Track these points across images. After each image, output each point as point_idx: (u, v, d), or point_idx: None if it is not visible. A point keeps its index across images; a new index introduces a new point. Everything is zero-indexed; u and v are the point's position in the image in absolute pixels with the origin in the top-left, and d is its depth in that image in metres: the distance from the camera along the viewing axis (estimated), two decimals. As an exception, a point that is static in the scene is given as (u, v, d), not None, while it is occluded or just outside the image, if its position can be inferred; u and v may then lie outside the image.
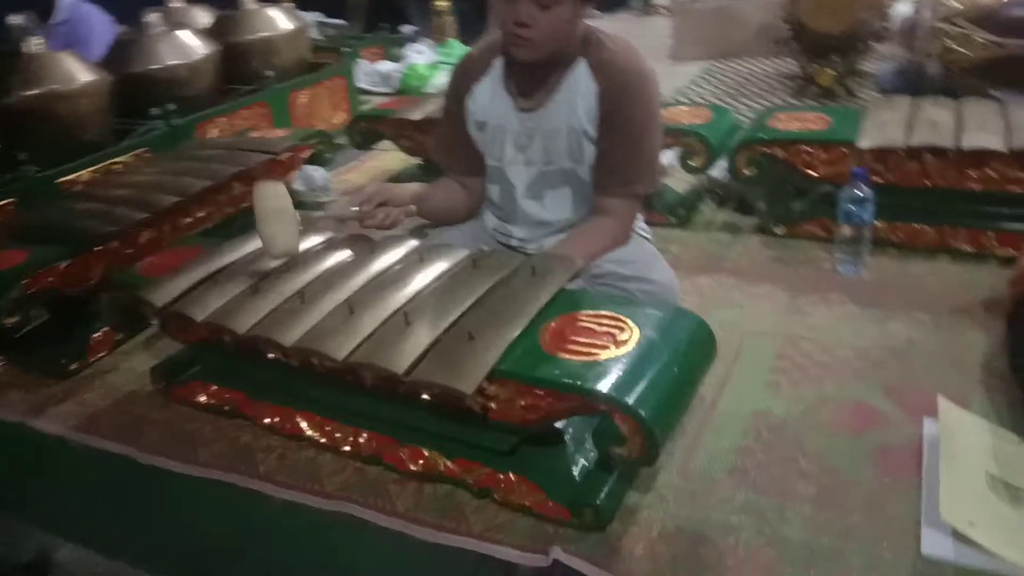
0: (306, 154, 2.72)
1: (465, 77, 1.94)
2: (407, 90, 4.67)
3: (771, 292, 2.15)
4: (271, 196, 1.62)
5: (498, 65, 1.90)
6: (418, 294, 1.54)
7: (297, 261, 1.73)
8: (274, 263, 1.75)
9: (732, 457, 1.58)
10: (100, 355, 2.16)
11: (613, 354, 1.33)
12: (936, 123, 2.15)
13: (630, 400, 1.24)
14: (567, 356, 1.34)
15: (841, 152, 2.23)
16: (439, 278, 1.60)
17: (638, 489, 1.51)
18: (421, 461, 1.58)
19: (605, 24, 6.17)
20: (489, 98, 1.90)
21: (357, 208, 1.89)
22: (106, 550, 1.82)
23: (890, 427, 1.63)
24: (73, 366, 2.09)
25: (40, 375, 2.09)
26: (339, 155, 3.16)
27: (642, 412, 1.23)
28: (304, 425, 1.73)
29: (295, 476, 1.65)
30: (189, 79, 3.01)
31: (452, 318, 1.45)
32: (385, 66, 4.73)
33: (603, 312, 1.45)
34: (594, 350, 1.34)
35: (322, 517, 1.56)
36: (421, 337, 1.40)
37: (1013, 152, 2.01)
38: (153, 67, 2.95)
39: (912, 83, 3.23)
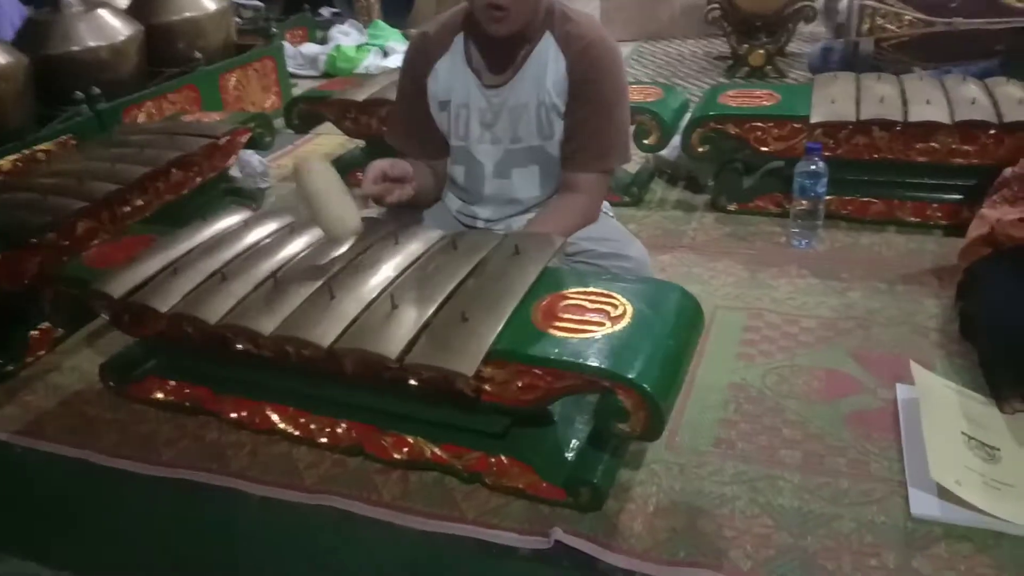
0: (245, 138, 2.61)
1: (423, 56, 1.87)
2: (335, 72, 4.54)
3: (731, 267, 2.18)
4: (323, 174, 1.50)
5: (459, 42, 1.84)
6: (400, 276, 1.49)
7: (263, 246, 1.65)
8: (231, 249, 1.66)
9: (716, 429, 1.60)
10: (39, 354, 2.03)
11: (609, 330, 1.31)
12: (883, 98, 2.22)
13: (633, 375, 1.23)
14: (563, 334, 1.31)
15: (793, 128, 2.27)
16: (418, 259, 1.55)
17: (628, 466, 1.51)
18: (406, 449, 1.54)
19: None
20: (451, 76, 1.84)
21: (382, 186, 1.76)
22: (53, 562, 1.70)
23: (864, 392, 1.67)
24: (10, 367, 1.96)
25: (-29, 379, 1.95)
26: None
27: (646, 386, 1.22)
28: (276, 418, 1.66)
29: (270, 472, 1.59)
30: (112, 62, 2.84)
31: (439, 299, 1.40)
32: (310, 48, 4.59)
33: (592, 289, 1.43)
34: (589, 327, 1.32)
35: (303, 513, 1.50)
36: (410, 320, 1.36)
37: (957, 124, 2.08)
38: (74, 48, 2.77)
39: (840, 61, 3.33)
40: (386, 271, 1.50)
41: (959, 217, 2.22)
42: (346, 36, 4.62)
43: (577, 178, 1.82)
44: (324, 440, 1.61)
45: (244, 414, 1.69)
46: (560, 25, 1.76)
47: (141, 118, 2.85)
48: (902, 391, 1.64)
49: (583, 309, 1.38)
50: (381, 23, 4.81)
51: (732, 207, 2.47)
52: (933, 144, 2.15)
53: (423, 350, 1.30)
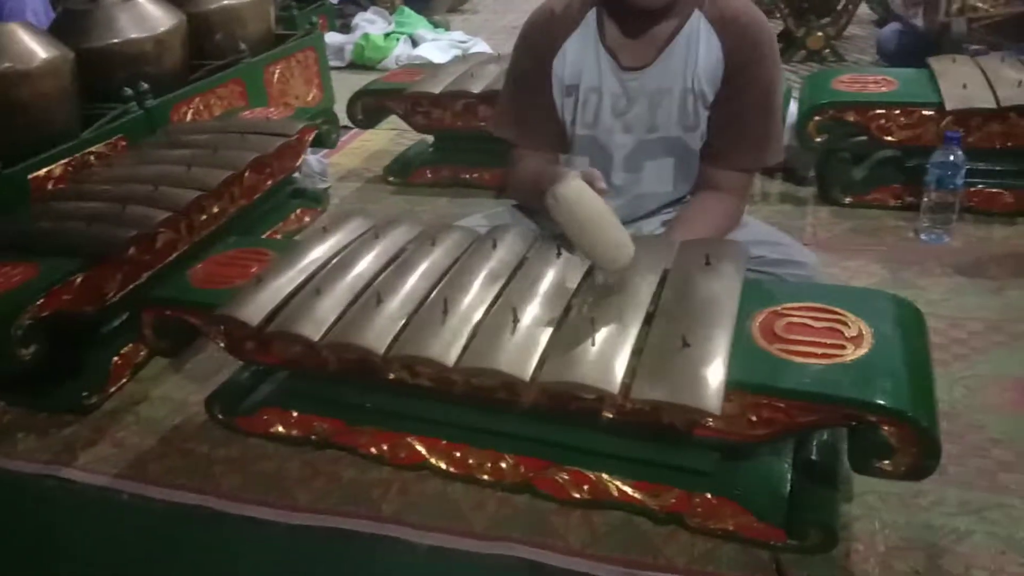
0: (311, 136, 2.40)
1: (547, 36, 1.66)
2: (363, 62, 4.34)
3: (867, 266, 2.04)
4: (591, 196, 1.26)
5: (591, 18, 1.64)
6: (577, 295, 1.32)
7: (407, 259, 1.47)
8: (372, 264, 1.48)
9: (918, 451, 1.45)
10: (121, 382, 1.82)
11: (857, 354, 1.15)
12: (1021, 82, 2.07)
13: (906, 407, 1.07)
14: (803, 359, 1.15)
15: (921, 115, 2.12)
16: (588, 272, 1.37)
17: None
18: (586, 486, 1.37)
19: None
20: (581, 57, 1.64)
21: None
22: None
23: (1066, 405, 1.53)
24: (94, 399, 1.75)
25: (52, 413, 1.73)
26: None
27: (922, 421, 1.06)
28: (424, 451, 1.48)
29: (428, 514, 1.41)
30: (156, 55, 2.59)
31: (640, 319, 1.23)
32: (334, 38, 4.36)
33: (809, 304, 1.27)
34: (830, 350, 1.16)
35: (476, 564, 1.32)
36: (618, 347, 1.18)
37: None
38: (115, 41, 2.52)
39: (917, 43, 3.20)
40: (563, 289, 1.33)
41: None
42: (372, 24, 4.40)
43: (726, 176, 1.63)
44: (486, 476, 1.43)
45: (385, 447, 1.51)
46: (711, 2, 1.57)
47: (189, 115, 2.63)
48: (1112, 403, 1.51)
49: (809, 328, 1.22)
50: (407, 10, 4.60)
51: (847, 200, 2.32)
52: (1077, 130, 2.02)
53: (647, 383, 1.12)
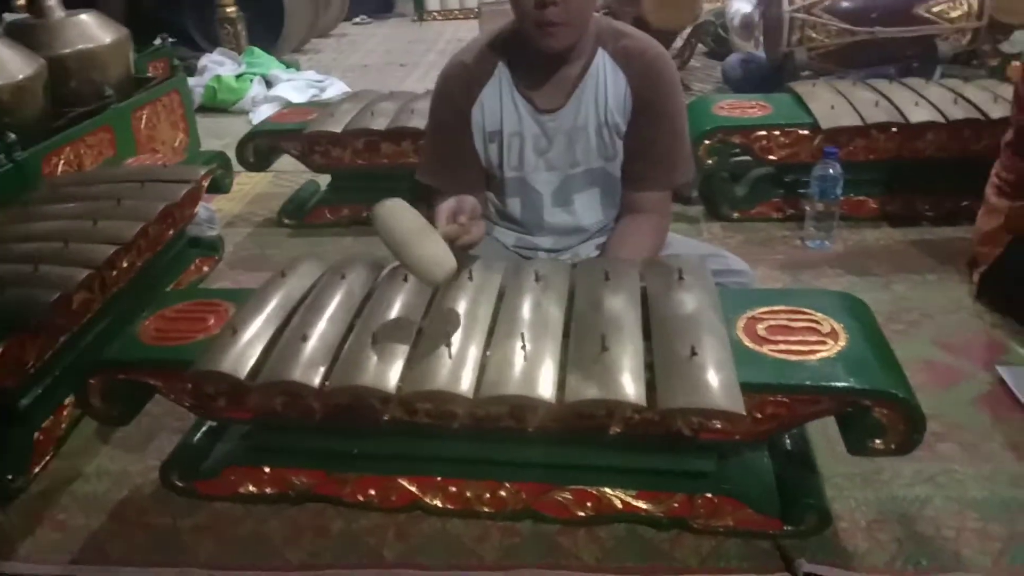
0: (208, 180, 2.30)
1: (464, 87, 1.71)
2: (215, 104, 4.17)
3: (770, 273, 2.22)
4: (407, 213, 1.28)
5: (502, 68, 1.72)
6: (570, 316, 1.36)
7: (381, 297, 1.44)
8: (344, 305, 1.44)
9: (864, 433, 1.61)
10: (46, 460, 1.65)
11: (839, 347, 1.27)
12: (877, 102, 2.36)
13: (895, 389, 1.20)
14: (797, 357, 1.26)
15: (799, 135, 2.36)
16: (572, 296, 1.41)
17: (810, 483, 1.48)
18: (590, 503, 1.40)
19: (380, 31, 6.05)
20: (499, 105, 1.71)
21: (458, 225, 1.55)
22: None
23: (969, 379, 1.76)
24: (18, 482, 1.57)
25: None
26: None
27: (908, 398, 1.20)
28: (415, 490, 1.46)
29: (437, 554, 1.39)
30: (16, 103, 2.37)
31: (639, 334, 1.29)
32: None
33: (779, 308, 1.38)
34: (814, 347, 1.27)
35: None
36: (630, 361, 1.23)
37: (951, 123, 2.26)
38: (-31, 89, 2.29)
39: (759, 71, 3.53)
40: (551, 313, 1.36)
41: (943, 208, 2.42)
42: (221, 66, 4.24)
43: (647, 197, 1.75)
44: (486, 508, 1.43)
45: (374, 492, 1.47)
46: (613, 40, 1.68)
47: (60, 167, 2.42)
48: (1006, 372, 1.74)
49: (789, 329, 1.33)
50: (257, 50, 4.47)
51: (735, 215, 2.52)
52: (927, 143, 2.32)
53: (671, 393, 1.18)
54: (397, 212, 1.26)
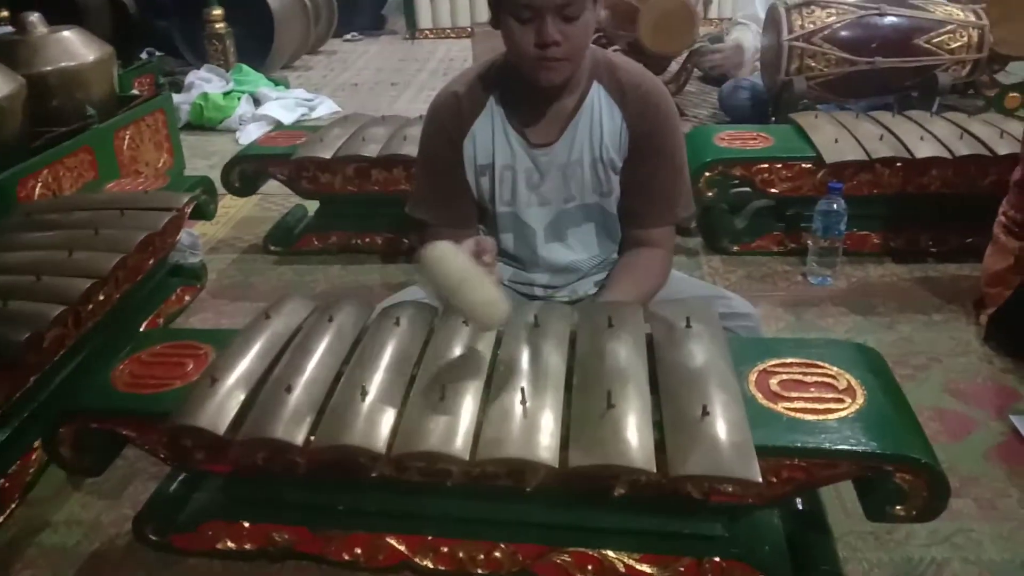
0: (191, 207, 2.21)
1: (456, 118, 1.64)
2: (202, 122, 4.09)
3: (773, 311, 2.16)
4: (459, 257, 1.22)
5: (494, 101, 1.65)
6: (571, 369, 1.28)
7: (376, 343, 1.36)
8: (332, 351, 1.36)
9: (875, 488, 1.54)
10: (11, 508, 1.55)
11: (857, 407, 1.20)
12: (881, 136, 2.31)
13: (919, 455, 1.13)
14: (813, 416, 1.18)
15: (801, 168, 2.30)
16: (573, 344, 1.34)
17: (822, 543, 1.40)
18: (591, 567, 1.32)
19: (372, 48, 6.02)
20: (491, 138, 1.64)
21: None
22: None
23: (982, 428, 1.69)
24: (-19, 534, 1.48)
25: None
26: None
27: (931, 464, 1.13)
28: (404, 549, 1.37)
29: (424, 620, 1.30)
30: (-7, 123, 2.30)
31: (646, 392, 1.21)
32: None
33: (791, 360, 1.31)
34: (831, 405, 1.20)
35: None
36: (636, 421, 1.15)
37: (957, 159, 2.21)
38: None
39: (752, 98, 3.49)
40: (552, 362, 1.28)
41: (948, 245, 2.37)
42: (208, 83, 4.16)
43: (649, 234, 1.68)
44: (480, 571, 1.35)
45: (359, 551, 1.38)
46: (609, 74, 1.61)
47: (37, 191, 2.33)
48: (1020, 422, 1.68)
49: (803, 384, 1.26)
50: (246, 67, 4.40)
51: (735, 249, 2.46)
52: (932, 178, 2.27)
53: (681, 457, 1.10)
54: (448, 256, 1.20)
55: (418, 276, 1.24)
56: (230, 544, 1.41)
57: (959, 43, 3.06)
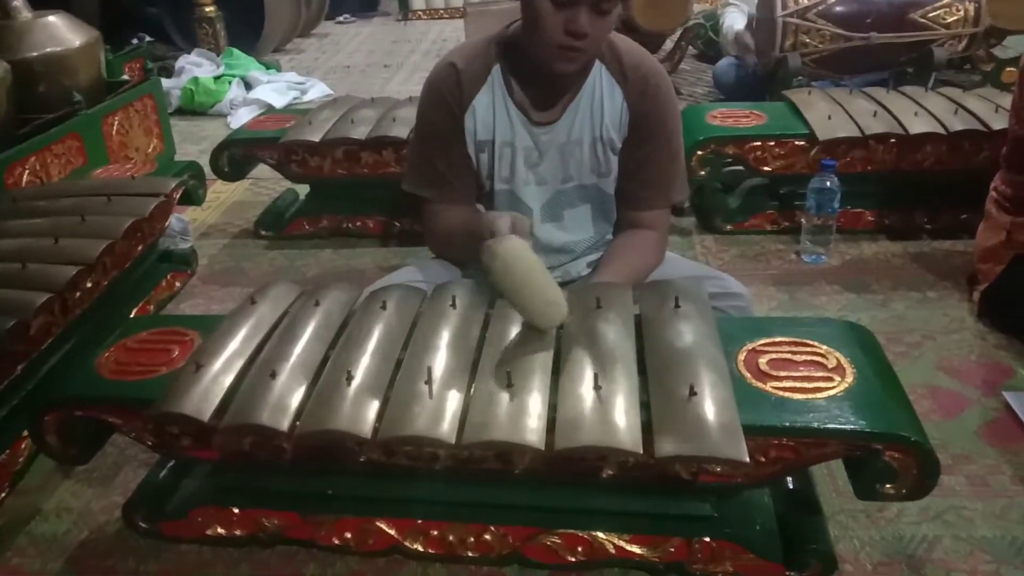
0: (179, 193, 2.19)
1: (457, 90, 1.62)
2: (193, 107, 4.05)
3: (765, 290, 2.15)
4: (528, 253, 1.22)
5: (496, 75, 1.63)
6: (560, 350, 1.27)
7: (363, 329, 1.35)
8: (319, 337, 1.35)
9: (867, 466, 1.53)
10: (1, 496, 1.55)
11: (847, 385, 1.19)
12: (875, 112, 2.28)
13: (908, 433, 1.12)
14: (802, 396, 1.17)
15: (794, 145, 2.28)
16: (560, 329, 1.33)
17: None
18: (580, 548, 1.32)
19: (364, 30, 5.97)
20: (491, 113, 1.63)
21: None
22: None
23: (975, 405, 1.69)
24: (-30, 523, 1.47)
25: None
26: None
27: (921, 442, 1.12)
28: (394, 533, 1.37)
29: (414, 603, 1.30)
30: (-24, 109, 2.28)
31: (633, 372, 1.20)
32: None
33: (780, 339, 1.30)
34: (820, 383, 1.19)
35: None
36: (623, 402, 1.14)
37: (951, 135, 2.19)
38: (-73, 95, 2.18)
39: (750, 76, 3.46)
40: (540, 345, 1.27)
41: (942, 221, 2.36)
42: (199, 67, 4.12)
43: (645, 215, 1.68)
44: (470, 553, 1.34)
45: (350, 536, 1.38)
46: (611, 55, 1.60)
47: (25, 178, 2.31)
48: (1012, 398, 1.67)
49: (792, 363, 1.25)
50: (236, 51, 4.36)
51: (728, 228, 2.45)
52: (926, 154, 2.25)
53: (668, 439, 1.09)
54: (520, 252, 1.21)
55: (483, 265, 1.23)
56: (220, 530, 1.41)
57: (955, 17, 3.02)
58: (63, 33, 2.74)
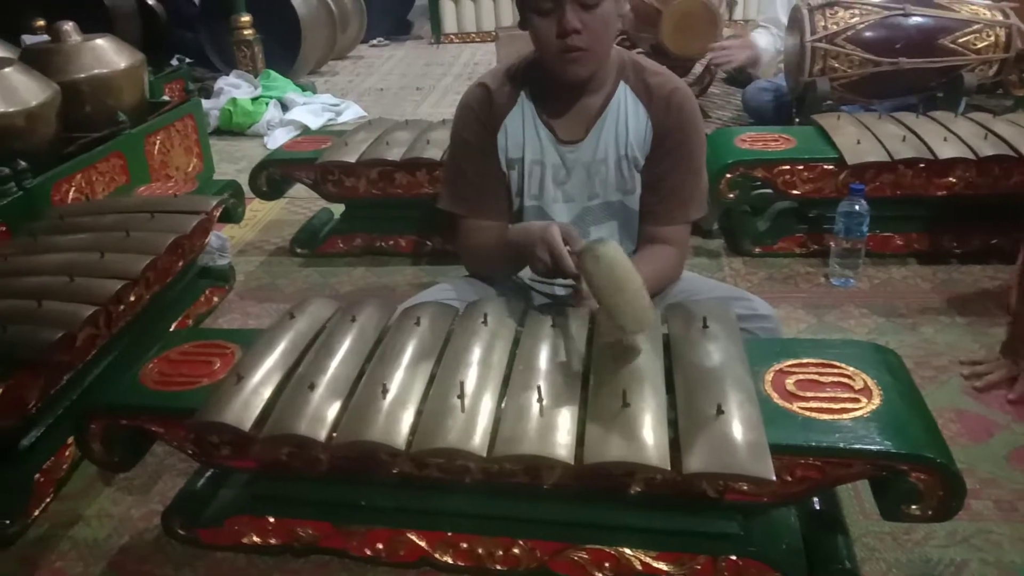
0: (220, 211, 2.26)
1: (490, 110, 1.69)
2: (231, 128, 4.15)
3: (794, 312, 2.16)
4: (628, 260, 1.26)
5: (524, 97, 1.69)
6: (589, 368, 1.30)
7: (397, 343, 1.39)
8: (356, 351, 1.39)
9: (895, 489, 1.53)
10: (46, 503, 1.60)
11: (874, 406, 1.20)
12: (904, 137, 2.29)
13: (934, 455, 1.13)
14: (828, 416, 1.19)
15: (823, 169, 2.30)
16: (589, 344, 1.36)
17: (840, 543, 1.40)
18: (607, 564, 1.34)
19: (397, 53, 6.04)
20: (521, 133, 1.68)
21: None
22: None
23: (1004, 430, 1.68)
24: (16, 526, 1.53)
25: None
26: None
27: (947, 464, 1.13)
28: (425, 545, 1.40)
29: (443, 614, 1.33)
30: (28, 129, 2.35)
31: (661, 390, 1.23)
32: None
33: (807, 360, 1.32)
34: (847, 404, 1.21)
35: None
36: (651, 419, 1.17)
37: (980, 160, 2.19)
38: (-20, 115, 2.27)
39: (776, 100, 3.47)
40: (570, 362, 1.30)
41: (972, 246, 2.35)
42: (237, 88, 4.22)
43: (664, 231, 1.71)
44: (498, 567, 1.37)
45: (381, 546, 1.41)
46: (635, 74, 1.66)
47: (71, 195, 2.39)
48: (1043, 424, 1.67)
49: (819, 384, 1.27)
50: (273, 73, 4.46)
51: (756, 250, 2.46)
52: (953, 179, 2.25)
53: (696, 455, 1.11)
54: (621, 257, 1.25)
55: (583, 266, 1.28)
56: (255, 539, 1.45)
57: (986, 43, 3.01)
58: (109, 56, 2.84)
